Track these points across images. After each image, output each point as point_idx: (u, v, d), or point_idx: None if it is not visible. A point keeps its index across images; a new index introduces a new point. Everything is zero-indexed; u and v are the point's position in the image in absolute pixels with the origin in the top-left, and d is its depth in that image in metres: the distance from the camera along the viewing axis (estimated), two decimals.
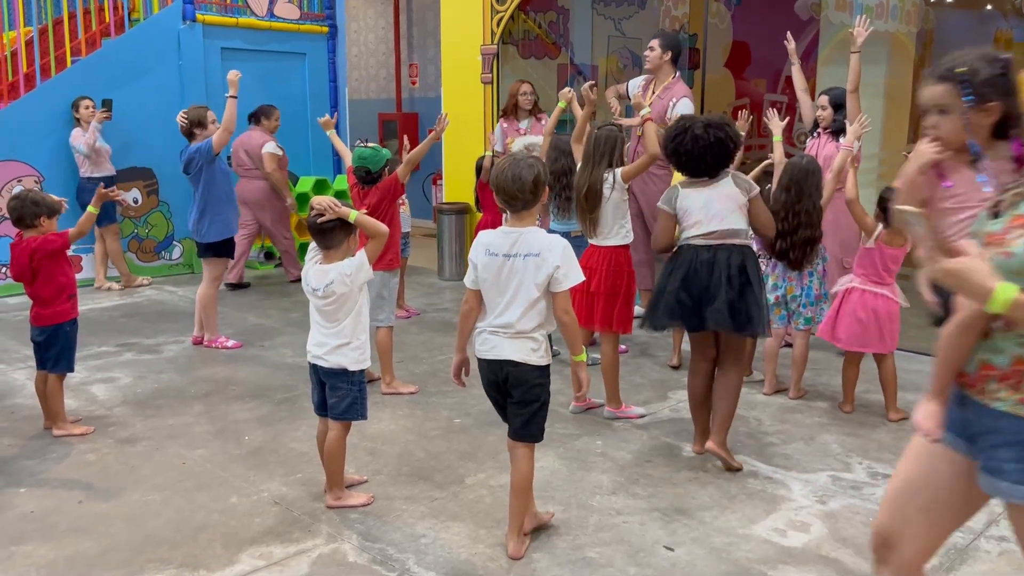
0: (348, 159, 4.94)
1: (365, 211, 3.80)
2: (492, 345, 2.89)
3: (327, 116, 5.43)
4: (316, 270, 3.17)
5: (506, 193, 2.83)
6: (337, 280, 3.12)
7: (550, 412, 3.05)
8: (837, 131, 5.21)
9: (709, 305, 3.54)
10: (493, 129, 6.94)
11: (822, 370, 5.07)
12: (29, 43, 7.45)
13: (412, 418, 4.29)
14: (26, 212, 3.85)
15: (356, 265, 3.14)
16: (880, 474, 3.65)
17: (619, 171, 4.21)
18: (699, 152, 3.56)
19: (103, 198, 4.07)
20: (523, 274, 2.81)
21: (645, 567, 2.91)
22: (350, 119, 9.58)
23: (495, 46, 7.47)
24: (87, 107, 7.03)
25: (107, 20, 7.96)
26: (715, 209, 3.58)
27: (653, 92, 6.06)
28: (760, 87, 10.61)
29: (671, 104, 5.88)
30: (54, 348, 3.96)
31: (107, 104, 7.00)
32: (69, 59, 7.54)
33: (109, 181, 6.85)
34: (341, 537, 3.09)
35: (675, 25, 9.94)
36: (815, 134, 5.46)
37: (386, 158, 4.62)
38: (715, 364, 3.77)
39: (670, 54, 5.94)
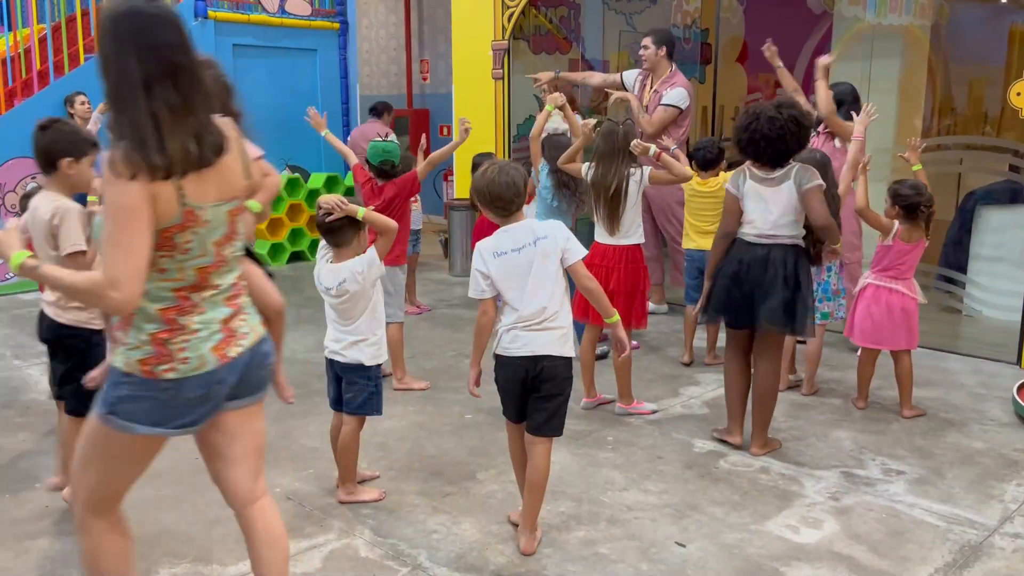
0: (350, 158, 4.92)
1: (379, 204, 3.82)
2: (525, 342, 2.87)
3: (316, 114, 5.13)
4: (328, 269, 3.19)
5: (502, 200, 2.88)
6: (349, 278, 3.14)
7: None
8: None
9: (763, 303, 3.58)
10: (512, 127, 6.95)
11: (835, 366, 5.04)
12: (42, 40, 7.49)
13: (424, 414, 4.30)
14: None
15: (367, 262, 3.16)
16: (894, 471, 3.63)
17: (648, 172, 4.20)
18: (778, 134, 3.51)
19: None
20: (539, 258, 2.86)
21: (657, 563, 2.90)
22: (361, 115, 9.59)
23: (506, 42, 7.47)
24: (82, 103, 7.03)
25: None
26: (773, 216, 3.60)
27: (651, 87, 6.05)
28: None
29: (665, 92, 5.89)
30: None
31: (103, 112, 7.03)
32: (82, 56, 7.58)
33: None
34: (353, 532, 3.11)
35: (687, 20, 9.91)
36: (815, 131, 5.37)
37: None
38: (748, 361, 3.80)
39: (664, 49, 5.96)
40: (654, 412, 4.30)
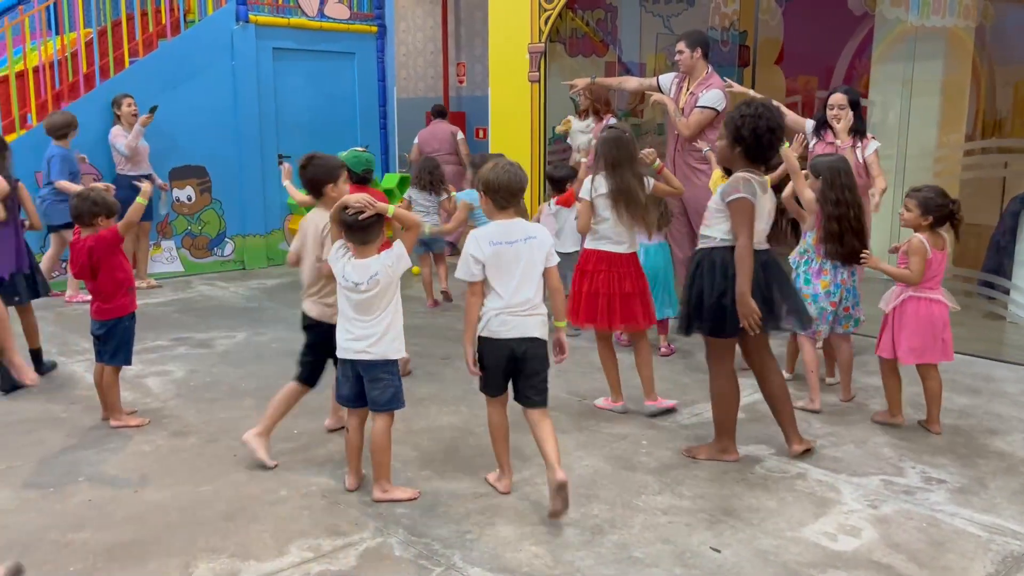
0: (301, 200, 4.89)
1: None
2: (513, 325, 3.22)
3: (286, 165, 5.31)
4: (355, 265, 3.26)
5: (509, 190, 3.25)
6: (382, 272, 3.24)
7: (595, 412, 3.61)
8: (861, 130, 5.13)
9: (784, 306, 3.61)
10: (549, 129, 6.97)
11: (873, 371, 4.97)
12: (89, 44, 7.65)
13: (458, 415, 4.32)
14: (85, 211, 3.96)
15: (397, 256, 3.27)
16: (934, 479, 3.57)
17: (652, 183, 4.26)
18: (781, 127, 3.57)
19: (148, 193, 4.17)
20: (528, 255, 3.24)
21: (692, 568, 2.89)
22: (398, 118, 9.67)
23: (542, 44, 7.47)
24: (129, 105, 7.16)
25: (163, 22, 8.14)
26: (764, 224, 3.61)
27: (687, 90, 6.03)
28: (811, 84, 10.44)
29: (701, 94, 5.87)
30: (113, 341, 4.07)
31: (153, 110, 7.14)
32: (127, 60, 7.73)
33: (145, 179, 7.05)
34: (388, 531, 3.13)
35: (724, 22, 9.84)
36: (820, 134, 5.28)
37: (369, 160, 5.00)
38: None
39: (700, 51, 5.93)
40: (675, 406, 4.38)
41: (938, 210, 3.94)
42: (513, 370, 3.27)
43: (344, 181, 3.69)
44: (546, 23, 7.43)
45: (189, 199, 7.98)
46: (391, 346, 3.29)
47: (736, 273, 3.49)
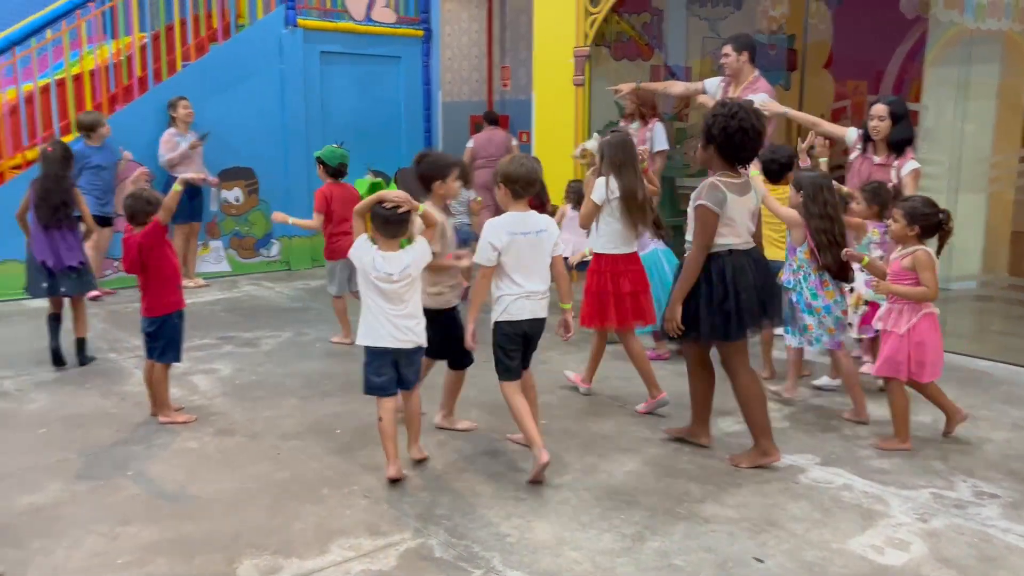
0: (313, 226, 5.61)
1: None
2: (531, 308, 3.60)
3: (280, 214, 5.46)
4: (387, 257, 3.45)
5: (528, 181, 3.59)
6: (412, 265, 3.48)
7: (638, 418, 4.08)
8: (898, 143, 4.88)
9: (772, 304, 3.69)
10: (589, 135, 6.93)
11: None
12: (143, 48, 7.83)
13: (499, 418, 4.31)
14: (139, 210, 4.05)
15: (424, 250, 3.55)
16: (986, 493, 3.48)
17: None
18: (763, 129, 3.56)
19: (187, 179, 4.26)
20: (540, 246, 3.58)
21: None
22: (443, 121, 9.72)
23: (588, 48, 7.46)
24: (184, 107, 7.31)
25: (215, 26, 8.30)
26: (747, 223, 3.62)
27: (733, 92, 5.97)
28: (861, 89, 10.26)
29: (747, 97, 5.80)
30: (163, 338, 4.15)
31: (204, 137, 7.30)
32: (179, 63, 7.89)
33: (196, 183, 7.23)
34: (428, 532, 3.14)
35: (772, 26, 9.72)
36: (863, 148, 5.09)
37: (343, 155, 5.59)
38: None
39: (747, 54, 5.88)
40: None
41: (924, 219, 3.82)
42: (525, 345, 3.68)
43: (453, 179, 3.88)
44: (591, 27, 7.41)
45: (237, 200, 8.11)
46: (424, 332, 3.57)
47: (679, 277, 3.61)
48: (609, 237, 4.33)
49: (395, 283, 3.43)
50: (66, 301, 5.22)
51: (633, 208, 4.23)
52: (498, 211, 3.79)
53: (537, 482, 3.51)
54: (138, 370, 4.82)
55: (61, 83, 7.40)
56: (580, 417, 4.34)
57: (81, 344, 5.18)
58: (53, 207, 4.98)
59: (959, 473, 3.68)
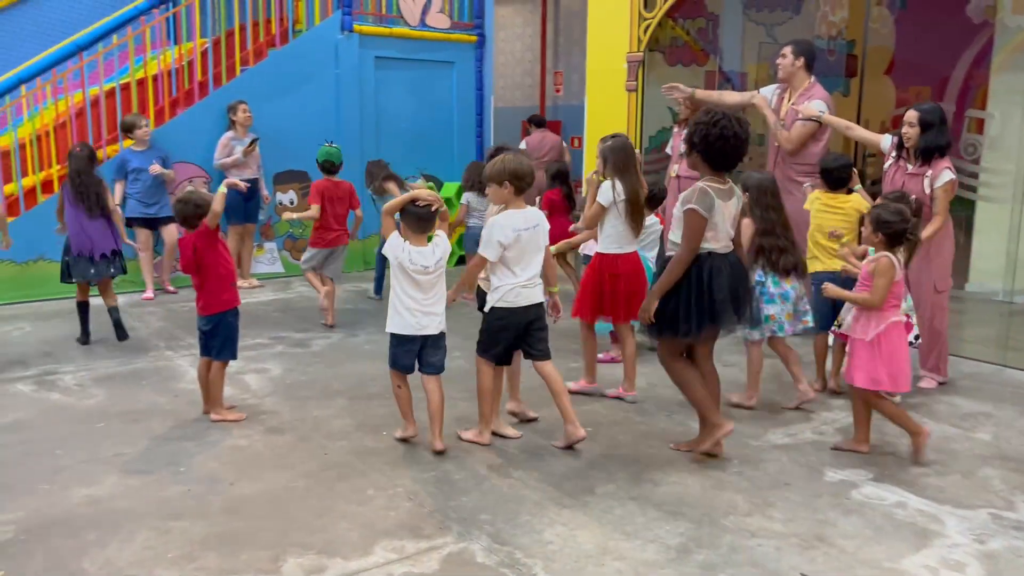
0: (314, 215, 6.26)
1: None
2: (526, 295, 3.86)
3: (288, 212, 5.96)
4: (420, 251, 3.82)
5: (519, 176, 3.80)
6: (443, 256, 3.88)
7: (685, 428, 3.95)
8: (927, 151, 4.70)
9: (743, 307, 3.78)
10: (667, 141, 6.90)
11: (987, 397, 4.72)
12: (204, 54, 8.01)
13: (543, 422, 4.30)
14: (188, 214, 4.13)
15: (447, 243, 3.93)
16: None
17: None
18: (746, 136, 3.62)
19: (232, 184, 4.34)
20: (536, 239, 3.86)
21: None
22: (495, 126, 9.75)
23: (641, 53, 7.41)
24: (244, 111, 7.46)
25: (273, 32, 8.46)
26: (729, 227, 3.73)
27: (788, 100, 5.87)
28: (924, 95, 10.02)
29: (803, 105, 5.69)
30: (218, 336, 4.24)
31: (254, 143, 7.46)
32: (238, 68, 8.06)
33: (251, 185, 7.33)
34: (471, 537, 3.14)
35: (832, 31, 9.54)
36: (897, 158, 4.93)
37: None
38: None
39: (803, 60, 5.76)
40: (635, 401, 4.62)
41: (886, 227, 3.80)
42: (524, 333, 3.91)
43: (504, 185, 3.97)
44: (645, 32, 7.36)
45: (291, 203, 8.24)
46: (444, 319, 3.94)
47: (663, 273, 3.73)
48: (614, 238, 4.52)
49: (430, 274, 3.83)
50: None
51: (635, 210, 4.44)
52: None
53: (440, 453, 3.84)
54: (193, 368, 4.92)
55: (126, 87, 7.62)
56: (627, 426, 4.30)
57: (114, 312, 5.71)
58: (93, 198, 5.57)
59: (1020, 493, 3.55)
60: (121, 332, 5.70)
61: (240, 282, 7.61)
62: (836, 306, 4.51)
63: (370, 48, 8.42)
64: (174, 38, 8.41)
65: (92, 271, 5.62)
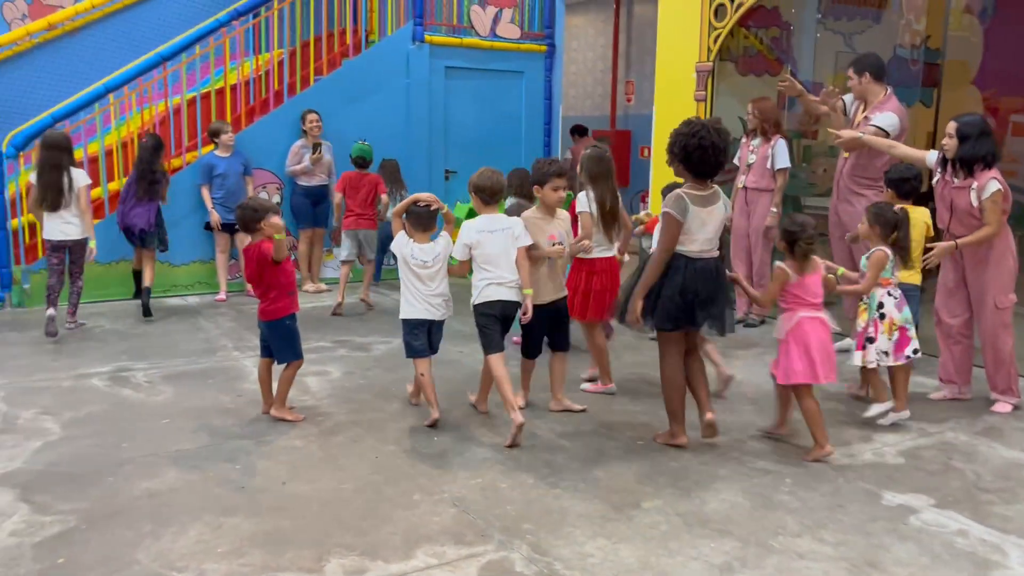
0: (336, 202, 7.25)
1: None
2: (501, 293, 4.26)
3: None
4: (422, 248, 4.30)
5: (492, 191, 4.32)
6: (443, 252, 4.33)
7: (738, 445, 4.12)
8: (965, 162, 4.53)
9: (711, 308, 3.91)
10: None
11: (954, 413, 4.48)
12: (280, 64, 8.26)
13: (594, 435, 4.28)
14: (248, 219, 4.25)
15: (447, 242, 4.38)
16: None
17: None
18: (724, 145, 3.82)
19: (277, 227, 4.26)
20: (505, 240, 4.26)
21: None
22: (565, 135, 9.76)
23: (711, 63, 7.32)
24: (312, 120, 7.64)
25: (347, 42, 8.66)
26: (710, 233, 3.89)
27: (863, 112, 5.73)
28: (1014, 107, 9.58)
29: (874, 116, 5.54)
30: (277, 340, 4.36)
31: (318, 149, 7.62)
32: (312, 77, 8.28)
33: (319, 191, 7.67)
34: (511, 546, 3.14)
35: (915, 40, 9.23)
36: (943, 172, 4.72)
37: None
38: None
39: (868, 75, 5.63)
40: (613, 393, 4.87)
41: (789, 236, 4.01)
42: (509, 325, 4.36)
43: (553, 188, 4.39)
44: (715, 42, 7.27)
45: None
46: (448, 307, 4.40)
47: (642, 274, 3.99)
48: (593, 242, 4.74)
49: (429, 268, 4.30)
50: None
51: (604, 215, 4.68)
52: None
53: (515, 446, 4.06)
54: (256, 369, 5.06)
55: (206, 96, 7.91)
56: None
57: (147, 292, 6.68)
58: (148, 184, 6.67)
59: None
60: (146, 311, 6.62)
61: (308, 286, 7.82)
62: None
63: (440, 58, 8.54)
64: (253, 49, 8.69)
65: (139, 242, 6.83)
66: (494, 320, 4.28)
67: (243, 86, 8.11)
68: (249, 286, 7.27)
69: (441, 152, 8.63)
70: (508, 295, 4.26)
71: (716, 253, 3.95)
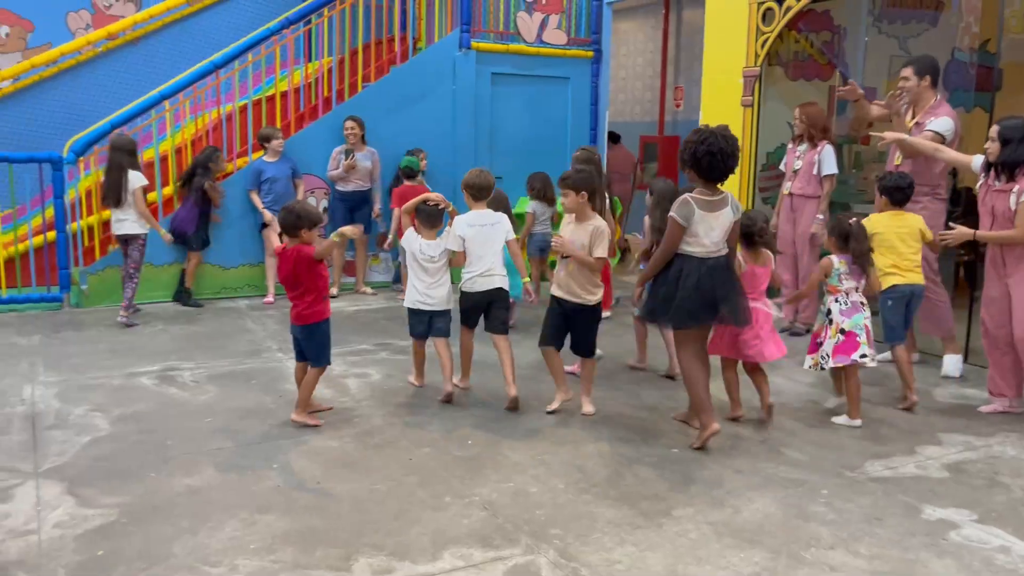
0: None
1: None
2: (482, 283, 4.75)
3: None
4: (427, 243, 4.79)
5: (480, 188, 4.82)
6: (446, 248, 4.78)
7: (776, 455, 4.06)
8: (1007, 165, 4.47)
9: (728, 300, 4.08)
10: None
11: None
12: (330, 72, 8.41)
13: (629, 443, 4.26)
14: (290, 223, 4.32)
15: (446, 239, 4.83)
16: None
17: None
18: (732, 151, 3.98)
19: (346, 233, 4.72)
20: (493, 235, 4.76)
21: None
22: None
23: (758, 68, 7.23)
24: (347, 127, 7.69)
25: (395, 49, 8.77)
26: (718, 236, 4.06)
27: (912, 118, 5.59)
28: None
29: (929, 121, 5.41)
30: (312, 344, 4.43)
31: (351, 155, 7.68)
32: (360, 84, 8.40)
33: (357, 197, 7.73)
34: (539, 550, 3.14)
35: (974, 43, 8.98)
36: (986, 176, 4.65)
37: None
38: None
39: (928, 79, 5.49)
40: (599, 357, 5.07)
41: (742, 228, 4.35)
42: (486, 310, 4.84)
43: (563, 195, 4.62)
44: (763, 46, 7.18)
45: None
46: (447, 299, 4.85)
47: (647, 266, 4.27)
48: None
49: (435, 262, 4.78)
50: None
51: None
52: None
53: (448, 401, 4.79)
54: None
55: (256, 103, 8.09)
56: (713, 448, 4.19)
57: (188, 293, 7.37)
58: (196, 193, 7.26)
59: None
60: (184, 303, 7.33)
61: (364, 288, 7.95)
62: (907, 320, 5.01)
63: (487, 64, 8.58)
64: (303, 57, 8.86)
65: (184, 244, 7.35)
66: (477, 308, 4.84)
67: (293, 93, 8.28)
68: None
69: (487, 158, 8.67)
70: (491, 283, 4.76)
71: (725, 251, 4.11)
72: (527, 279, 4.88)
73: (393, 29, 8.90)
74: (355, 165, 7.68)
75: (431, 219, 4.81)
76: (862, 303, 4.55)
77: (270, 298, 7.57)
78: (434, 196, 4.85)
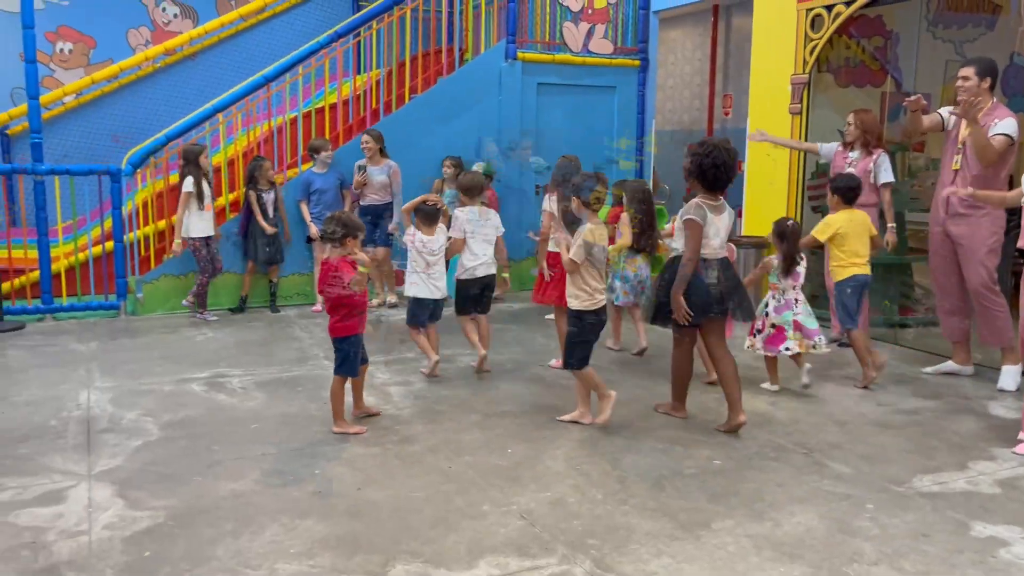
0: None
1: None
2: (483, 269, 5.62)
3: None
4: (429, 239, 5.40)
5: (474, 189, 5.68)
6: (444, 243, 5.46)
7: (819, 467, 4.02)
8: None
9: (735, 295, 4.49)
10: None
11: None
12: (378, 84, 8.53)
13: (670, 454, 4.22)
14: (332, 232, 4.38)
15: (445, 232, 5.53)
16: None
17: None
18: (733, 162, 4.37)
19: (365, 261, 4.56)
20: (487, 228, 5.62)
21: None
22: (659, 150, 9.67)
23: (806, 75, 7.14)
24: (364, 141, 7.60)
25: (442, 61, 8.87)
26: (722, 236, 4.48)
27: (966, 127, 5.44)
28: None
29: (993, 124, 5.25)
30: (339, 355, 4.51)
31: (362, 171, 7.65)
32: (408, 96, 8.51)
33: (374, 210, 7.62)
34: (575, 560, 3.14)
35: None
36: None
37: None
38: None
39: (988, 81, 5.33)
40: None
41: (776, 227, 5.21)
42: (479, 295, 5.66)
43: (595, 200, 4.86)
44: (811, 53, 7.09)
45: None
46: (444, 287, 5.51)
47: (676, 277, 4.43)
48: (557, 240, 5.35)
49: (436, 255, 5.43)
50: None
51: (565, 215, 5.20)
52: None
53: (432, 376, 5.52)
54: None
55: (306, 115, 8.25)
56: (756, 460, 4.14)
57: (240, 300, 7.71)
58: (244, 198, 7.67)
59: None
60: (272, 306, 7.75)
61: (391, 297, 7.94)
62: (859, 306, 5.48)
63: (533, 75, 8.62)
64: (352, 70, 9.01)
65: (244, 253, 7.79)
66: (472, 291, 5.61)
67: (342, 105, 8.42)
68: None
69: (531, 168, 8.70)
70: (490, 270, 5.65)
71: (725, 253, 4.54)
72: (506, 275, 5.97)
73: (440, 41, 9.00)
74: (366, 181, 7.61)
75: (431, 218, 5.43)
76: (796, 300, 5.14)
77: (318, 307, 7.68)
78: (432, 197, 5.59)
